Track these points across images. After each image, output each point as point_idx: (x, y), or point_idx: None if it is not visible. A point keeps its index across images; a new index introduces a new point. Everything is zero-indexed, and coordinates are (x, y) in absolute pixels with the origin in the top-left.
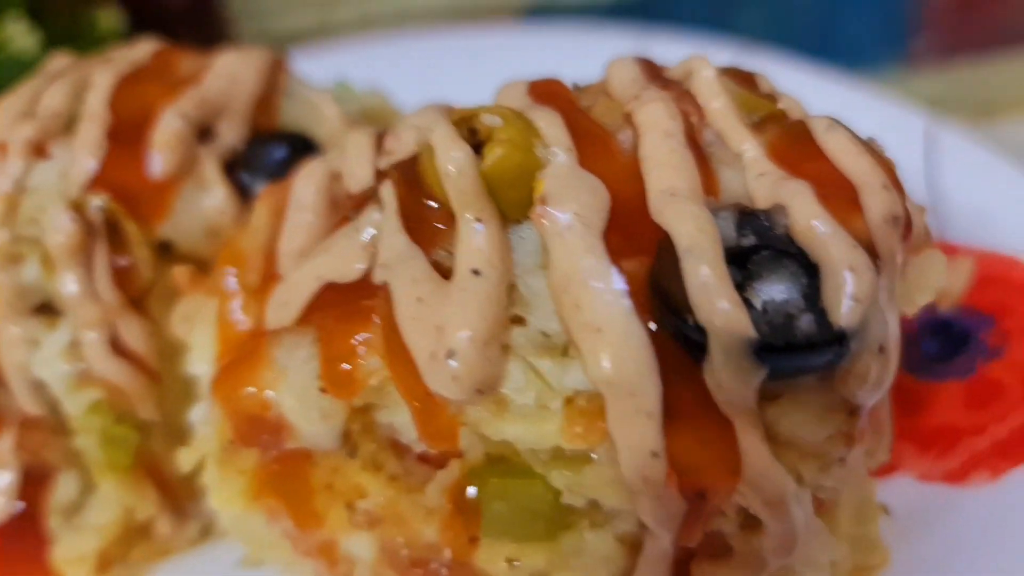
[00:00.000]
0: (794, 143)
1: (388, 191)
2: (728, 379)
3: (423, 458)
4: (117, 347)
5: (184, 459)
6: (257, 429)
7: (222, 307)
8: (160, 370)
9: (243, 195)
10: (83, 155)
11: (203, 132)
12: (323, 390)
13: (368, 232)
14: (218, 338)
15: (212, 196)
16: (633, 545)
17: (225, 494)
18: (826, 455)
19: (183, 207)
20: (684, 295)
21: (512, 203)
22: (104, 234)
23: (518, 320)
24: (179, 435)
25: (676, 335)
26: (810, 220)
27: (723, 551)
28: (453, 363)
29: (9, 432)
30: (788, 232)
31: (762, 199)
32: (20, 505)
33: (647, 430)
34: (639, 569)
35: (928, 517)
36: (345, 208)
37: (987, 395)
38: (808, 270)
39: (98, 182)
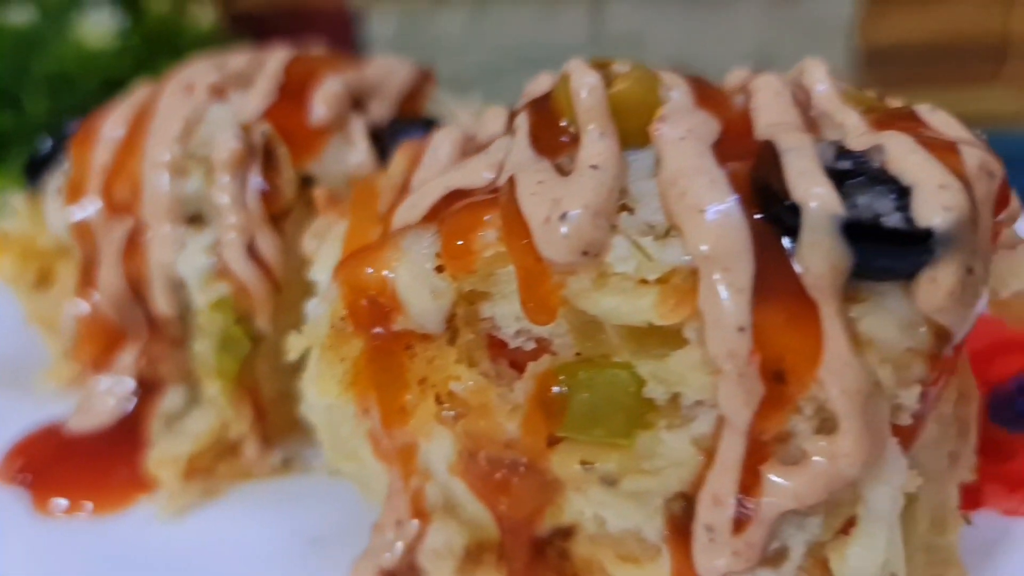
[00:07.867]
0: (896, 118)
1: (521, 118)
2: (817, 261)
3: (514, 363)
4: (252, 253)
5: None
6: (370, 307)
7: (353, 225)
8: (283, 286)
9: (381, 159)
10: (256, 97)
11: (356, 103)
12: (438, 269)
13: (498, 152)
14: (344, 250)
15: (356, 152)
16: (707, 452)
17: (324, 381)
18: (906, 367)
19: (330, 154)
20: (783, 182)
21: (631, 130)
22: (260, 157)
23: (627, 208)
24: (281, 362)
25: (771, 219)
26: (907, 154)
27: (797, 457)
28: (565, 225)
29: (135, 345)
30: (883, 166)
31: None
32: (128, 408)
33: (737, 304)
34: (711, 475)
35: (1009, 543)
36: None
37: None
38: (901, 193)
39: (265, 119)
